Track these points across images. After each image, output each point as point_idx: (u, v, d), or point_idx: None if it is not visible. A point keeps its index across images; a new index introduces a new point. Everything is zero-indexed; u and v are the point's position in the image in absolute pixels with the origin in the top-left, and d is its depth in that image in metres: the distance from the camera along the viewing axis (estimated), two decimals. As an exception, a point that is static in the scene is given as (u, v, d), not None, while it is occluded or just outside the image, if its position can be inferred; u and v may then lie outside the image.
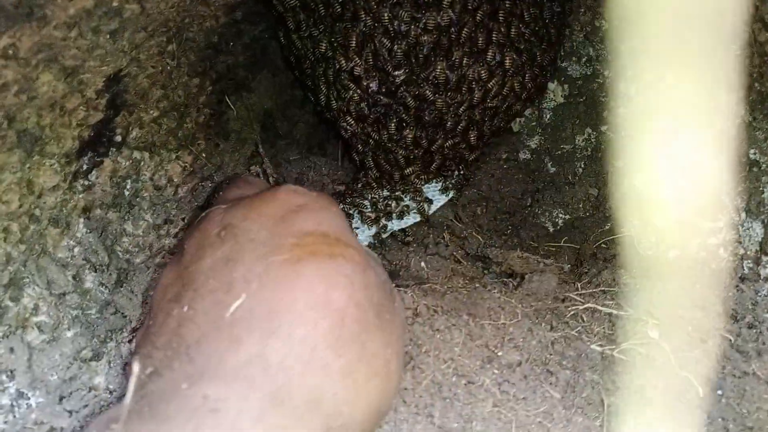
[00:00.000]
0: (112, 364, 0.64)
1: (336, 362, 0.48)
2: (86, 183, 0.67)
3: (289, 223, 0.53)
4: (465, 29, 0.75)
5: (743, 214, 0.75)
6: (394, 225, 0.89)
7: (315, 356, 0.47)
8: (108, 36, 0.60)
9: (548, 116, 0.99)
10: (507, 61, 0.79)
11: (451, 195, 0.92)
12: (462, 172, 0.92)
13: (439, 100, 0.79)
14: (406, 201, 0.90)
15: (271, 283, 0.49)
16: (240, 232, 0.53)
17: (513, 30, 0.78)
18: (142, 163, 0.74)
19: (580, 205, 0.92)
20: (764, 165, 0.74)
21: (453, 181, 0.92)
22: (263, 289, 0.49)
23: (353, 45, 0.77)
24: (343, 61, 0.78)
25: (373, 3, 0.74)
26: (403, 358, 0.57)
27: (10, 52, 0.52)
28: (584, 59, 0.95)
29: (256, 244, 0.51)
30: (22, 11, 0.51)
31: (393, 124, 0.82)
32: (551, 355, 0.63)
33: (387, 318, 0.53)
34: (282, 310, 0.48)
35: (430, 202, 0.90)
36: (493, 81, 0.80)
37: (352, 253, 0.52)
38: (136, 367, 0.48)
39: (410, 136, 0.83)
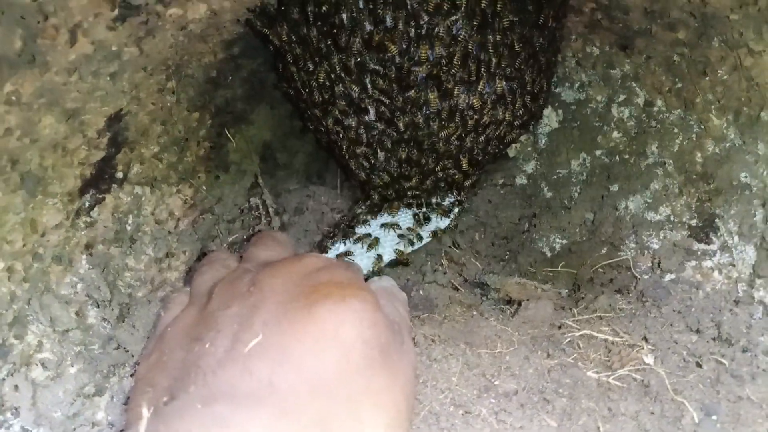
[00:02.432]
0: (114, 399, 0.65)
1: (341, 391, 0.51)
2: (88, 220, 0.68)
3: (312, 279, 0.59)
4: (456, 60, 0.77)
5: (736, 237, 0.76)
6: (387, 256, 0.89)
7: (322, 383, 0.50)
8: (108, 78, 0.62)
9: (543, 141, 1.00)
10: (498, 90, 0.80)
11: (447, 222, 0.93)
12: (457, 199, 0.93)
13: (432, 128, 0.80)
14: (402, 230, 0.91)
15: (286, 323, 0.53)
16: (266, 287, 0.58)
17: (503, 60, 0.79)
18: (143, 198, 0.76)
19: (577, 230, 0.93)
20: (755, 188, 0.75)
21: (449, 206, 0.93)
22: (279, 328, 0.53)
23: (348, 77, 0.78)
24: (341, 89, 0.80)
25: (366, 36, 0.76)
26: (414, 400, 0.59)
27: (13, 98, 0.54)
28: (577, 85, 0.96)
29: (279, 294, 0.57)
30: (25, 58, 0.52)
31: (386, 149, 0.83)
32: (548, 383, 0.64)
33: (394, 358, 0.56)
34: (293, 343, 0.52)
35: (420, 238, 0.91)
36: (486, 110, 0.81)
37: (364, 295, 0.57)
38: (145, 411, 0.51)
39: (403, 159, 0.84)
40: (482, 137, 0.84)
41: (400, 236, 0.90)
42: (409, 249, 0.90)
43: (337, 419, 0.50)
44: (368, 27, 0.75)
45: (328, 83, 0.81)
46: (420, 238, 0.91)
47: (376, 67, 0.77)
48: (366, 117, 0.82)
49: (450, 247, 0.92)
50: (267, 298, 0.56)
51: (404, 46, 0.75)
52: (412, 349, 0.63)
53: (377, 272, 0.87)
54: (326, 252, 0.89)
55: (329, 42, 0.77)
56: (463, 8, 0.75)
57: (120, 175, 0.72)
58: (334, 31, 0.76)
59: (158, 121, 0.75)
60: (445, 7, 0.74)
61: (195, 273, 0.70)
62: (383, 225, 0.91)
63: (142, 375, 0.58)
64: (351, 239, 0.89)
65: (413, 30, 0.74)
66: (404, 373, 0.57)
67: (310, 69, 0.81)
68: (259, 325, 0.54)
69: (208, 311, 0.59)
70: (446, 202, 0.93)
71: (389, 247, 0.90)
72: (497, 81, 0.80)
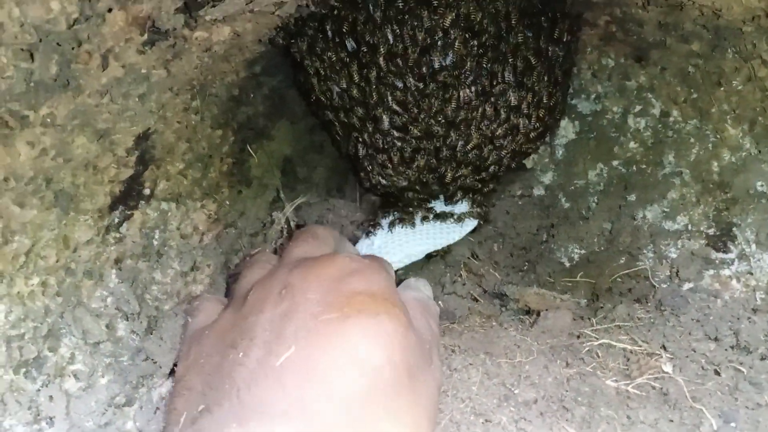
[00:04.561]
0: (143, 409, 0.67)
1: (366, 411, 0.52)
2: (118, 235, 0.70)
3: (344, 285, 0.59)
4: (471, 74, 0.78)
5: (753, 246, 0.76)
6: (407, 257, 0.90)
7: (348, 403, 0.51)
8: (137, 99, 0.64)
9: (561, 152, 1.01)
10: (513, 103, 0.81)
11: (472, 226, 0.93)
12: (477, 208, 0.94)
13: (450, 137, 0.82)
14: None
15: (319, 337, 0.54)
16: (298, 292, 0.58)
17: (519, 74, 0.81)
18: (169, 214, 0.78)
19: (595, 240, 0.94)
20: (772, 197, 0.76)
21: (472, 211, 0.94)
22: (311, 341, 0.53)
23: (367, 88, 0.81)
24: (358, 99, 0.82)
25: (383, 51, 0.78)
26: (435, 417, 0.60)
27: (49, 120, 0.56)
28: (593, 96, 0.97)
29: (311, 303, 0.57)
30: (60, 83, 0.55)
31: (403, 156, 0.85)
32: (567, 391, 0.65)
33: (421, 379, 0.57)
34: (325, 362, 0.53)
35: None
36: (500, 121, 0.83)
37: (397, 313, 0.57)
38: (183, 417, 0.54)
39: (421, 165, 0.86)
40: (498, 148, 0.86)
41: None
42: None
43: None
44: (389, 40, 0.77)
45: (347, 94, 0.83)
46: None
47: (395, 81, 0.79)
48: (383, 125, 0.84)
49: (469, 258, 0.93)
50: (299, 305, 0.57)
51: (420, 59, 0.77)
52: (440, 366, 0.64)
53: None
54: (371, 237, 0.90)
55: (346, 57, 0.80)
56: (477, 23, 0.76)
57: (147, 191, 0.74)
58: (353, 45, 0.79)
59: (183, 139, 0.78)
60: (461, 23, 0.76)
61: (239, 275, 0.72)
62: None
63: (180, 376, 0.61)
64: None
65: (429, 43, 0.76)
66: (428, 392, 0.58)
67: (330, 80, 0.83)
68: (291, 335, 0.54)
69: (242, 314, 0.60)
70: (459, 211, 0.94)
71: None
72: (511, 93, 0.81)
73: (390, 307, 0.57)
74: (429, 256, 0.91)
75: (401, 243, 0.88)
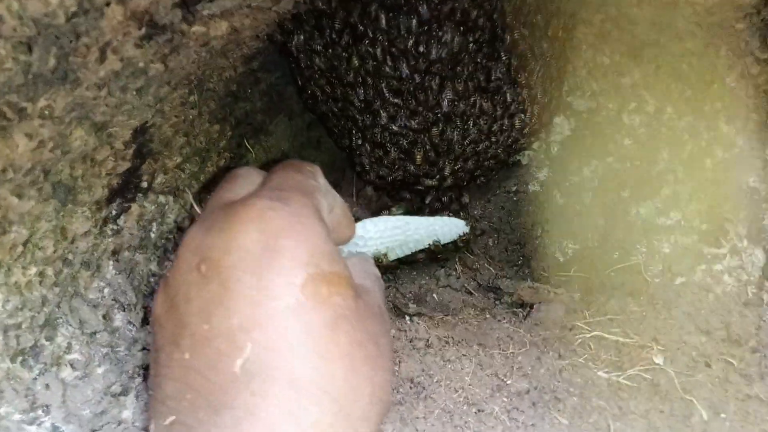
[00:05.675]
0: (139, 399, 0.68)
1: (355, 409, 0.50)
2: (115, 228, 0.71)
3: (277, 256, 0.50)
4: (466, 68, 0.79)
5: (745, 241, 0.77)
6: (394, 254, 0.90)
7: (337, 407, 0.49)
8: (134, 93, 0.65)
9: (556, 149, 1.02)
10: (508, 98, 0.82)
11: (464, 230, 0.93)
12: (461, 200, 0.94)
13: (447, 131, 0.83)
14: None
15: (277, 334, 0.48)
16: (224, 271, 0.49)
17: (512, 70, 0.81)
18: (166, 207, 0.79)
19: (589, 235, 0.95)
20: (764, 192, 0.76)
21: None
22: (270, 339, 0.48)
23: (364, 81, 0.82)
24: (358, 93, 0.83)
25: (379, 43, 0.79)
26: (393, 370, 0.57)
27: (47, 112, 0.57)
28: (588, 93, 0.98)
29: (246, 287, 0.49)
30: (58, 75, 0.56)
31: (401, 149, 0.86)
32: (559, 382, 0.66)
33: (383, 342, 0.54)
34: (299, 365, 0.48)
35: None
36: (496, 116, 0.83)
37: (345, 287, 0.52)
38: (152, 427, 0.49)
39: (418, 159, 0.86)
40: (495, 142, 0.86)
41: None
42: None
43: None
44: (385, 32, 0.78)
45: (344, 88, 0.84)
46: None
47: (391, 73, 0.80)
48: (381, 119, 0.84)
49: (464, 252, 0.94)
50: (234, 294, 0.48)
51: (416, 51, 0.78)
52: (389, 320, 0.60)
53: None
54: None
55: (343, 52, 0.81)
56: (472, 19, 0.77)
57: (145, 184, 0.75)
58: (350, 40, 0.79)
59: (181, 133, 0.78)
60: (457, 17, 0.77)
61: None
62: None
63: (149, 382, 0.54)
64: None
65: (424, 38, 0.77)
66: (390, 351, 0.55)
67: (327, 75, 0.84)
68: (239, 333, 0.47)
69: (170, 297, 0.52)
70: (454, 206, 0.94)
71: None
72: (507, 89, 0.82)
73: (338, 282, 0.51)
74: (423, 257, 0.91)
75: (392, 233, 0.87)
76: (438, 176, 0.89)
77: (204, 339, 0.48)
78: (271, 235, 0.50)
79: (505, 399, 0.63)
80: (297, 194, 0.55)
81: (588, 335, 0.71)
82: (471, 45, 0.79)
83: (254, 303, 0.48)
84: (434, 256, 0.90)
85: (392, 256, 0.87)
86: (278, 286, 0.49)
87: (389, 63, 0.79)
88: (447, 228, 0.90)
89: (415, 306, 0.83)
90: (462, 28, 0.77)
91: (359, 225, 0.81)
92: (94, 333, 0.67)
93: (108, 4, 0.55)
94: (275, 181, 0.58)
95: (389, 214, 0.91)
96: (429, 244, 0.87)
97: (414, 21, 0.77)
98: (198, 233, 0.53)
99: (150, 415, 0.50)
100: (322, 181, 0.63)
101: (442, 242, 0.89)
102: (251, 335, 0.47)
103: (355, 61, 0.81)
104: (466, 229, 0.91)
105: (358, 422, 0.50)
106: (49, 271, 0.64)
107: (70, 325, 0.66)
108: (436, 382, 0.66)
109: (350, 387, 0.50)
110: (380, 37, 0.78)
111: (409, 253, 0.88)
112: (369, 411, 0.51)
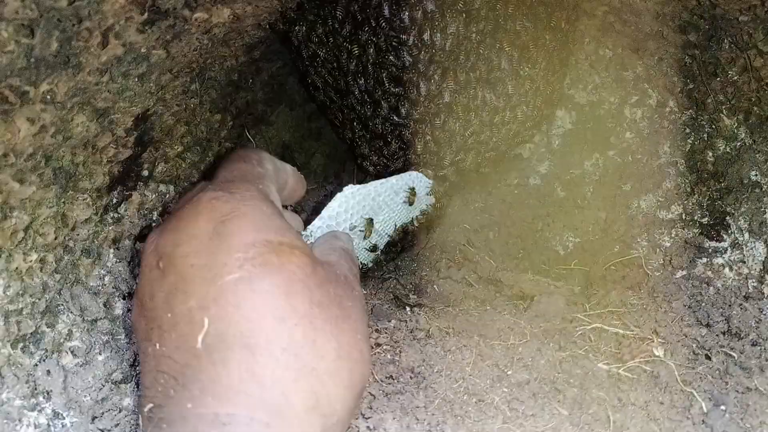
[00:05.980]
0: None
1: (321, 364, 0.51)
2: (116, 215, 0.71)
3: (225, 237, 0.52)
4: (468, 58, 0.79)
5: (746, 235, 0.77)
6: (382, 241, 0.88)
7: (300, 363, 0.50)
8: (136, 79, 0.65)
9: (557, 142, 1.02)
10: (510, 90, 0.82)
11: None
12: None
13: (449, 122, 0.83)
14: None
15: (231, 305, 0.49)
16: (178, 261, 0.52)
17: (515, 61, 0.81)
18: (167, 196, 0.78)
19: (590, 228, 0.95)
20: (765, 186, 0.76)
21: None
22: (226, 311, 0.49)
23: (365, 71, 0.82)
24: (358, 84, 0.83)
25: (381, 32, 0.78)
26: (368, 334, 0.57)
27: (48, 97, 0.56)
28: (590, 86, 0.98)
29: (199, 269, 0.51)
30: (60, 60, 0.55)
31: (403, 140, 0.85)
32: (559, 373, 0.66)
33: (349, 305, 0.55)
34: (254, 328, 0.49)
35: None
36: (498, 108, 0.83)
37: (299, 255, 0.53)
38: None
39: (419, 150, 0.86)
40: (496, 134, 0.86)
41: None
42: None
43: (326, 395, 0.50)
44: (387, 20, 0.77)
45: (346, 78, 0.84)
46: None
47: (393, 61, 0.79)
48: (382, 110, 0.84)
49: (464, 245, 0.94)
50: (188, 278, 0.51)
51: (418, 40, 0.78)
52: (362, 293, 0.61)
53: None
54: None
55: (344, 42, 0.80)
56: (475, 9, 0.77)
57: (146, 173, 0.75)
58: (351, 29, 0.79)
59: (182, 122, 0.78)
60: (459, 6, 0.76)
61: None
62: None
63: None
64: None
65: (428, 28, 0.77)
66: (359, 314, 0.56)
67: (329, 64, 0.84)
68: (196, 312, 0.49)
69: (140, 300, 0.54)
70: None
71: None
72: (508, 81, 0.82)
73: (291, 252, 0.52)
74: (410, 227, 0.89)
75: (361, 201, 0.84)
76: (437, 166, 0.89)
77: (169, 326, 0.50)
78: (218, 221, 0.52)
79: (505, 389, 0.63)
80: (241, 182, 0.58)
81: (588, 327, 0.71)
82: (474, 35, 0.79)
83: (208, 282, 0.50)
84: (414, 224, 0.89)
85: (377, 239, 0.84)
86: (228, 263, 0.50)
87: (390, 50, 0.79)
88: (415, 179, 0.88)
89: (415, 297, 0.83)
90: (465, 16, 0.77)
91: (325, 209, 0.81)
92: (95, 320, 0.67)
93: (111, -12, 0.55)
94: (221, 174, 0.62)
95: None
96: (405, 198, 0.86)
97: (415, 8, 0.76)
98: (155, 236, 0.55)
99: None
100: (269, 166, 0.66)
101: (416, 190, 0.87)
102: (209, 312, 0.49)
103: (356, 50, 0.81)
104: (430, 182, 0.90)
105: (325, 376, 0.50)
106: (50, 258, 0.64)
107: (71, 312, 0.66)
108: (437, 372, 0.66)
109: (312, 345, 0.50)
110: (381, 25, 0.78)
111: (390, 224, 0.86)
112: (337, 367, 0.51)
